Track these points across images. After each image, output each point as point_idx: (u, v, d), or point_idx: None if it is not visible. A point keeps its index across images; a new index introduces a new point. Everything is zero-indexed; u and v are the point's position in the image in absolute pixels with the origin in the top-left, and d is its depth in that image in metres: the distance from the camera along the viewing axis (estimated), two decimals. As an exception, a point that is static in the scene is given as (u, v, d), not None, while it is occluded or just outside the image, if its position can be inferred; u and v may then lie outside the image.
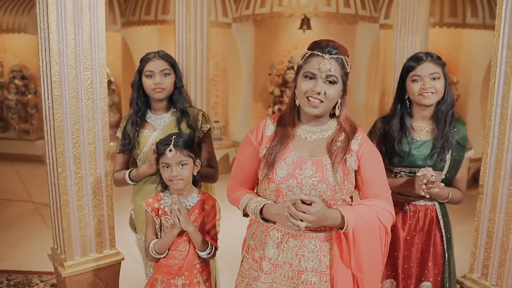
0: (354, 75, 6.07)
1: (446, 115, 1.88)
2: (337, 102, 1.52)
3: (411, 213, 1.94)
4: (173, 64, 2.05)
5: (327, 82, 1.46)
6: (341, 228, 1.45)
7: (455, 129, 1.90)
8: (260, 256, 1.60)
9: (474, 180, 4.77)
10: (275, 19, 5.87)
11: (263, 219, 1.53)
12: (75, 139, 1.94)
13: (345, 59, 1.50)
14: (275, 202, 1.53)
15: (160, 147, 1.77)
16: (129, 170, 2.06)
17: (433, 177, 1.71)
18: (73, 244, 2.02)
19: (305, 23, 5.52)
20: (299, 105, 1.53)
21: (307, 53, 1.51)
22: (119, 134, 2.11)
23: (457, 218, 4.19)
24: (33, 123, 6.92)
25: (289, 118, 1.57)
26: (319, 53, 1.47)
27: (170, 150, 1.72)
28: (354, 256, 1.46)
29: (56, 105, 1.87)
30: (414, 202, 1.94)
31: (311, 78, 1.47)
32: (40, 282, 3.15)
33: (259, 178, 1.61)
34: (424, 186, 1.72)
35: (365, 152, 1.53)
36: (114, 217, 2.13)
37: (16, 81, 6.89)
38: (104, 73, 1.98)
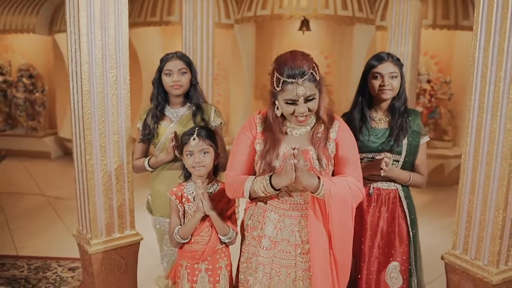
0: (351, 74, 6.33)
1: (399, 108, 2.10)
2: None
3: (375, 196, 2.14)
4: (189, 64, 2.28)
5: (307, 101, 1.65)
6: (315, 192, 1.64)
7: (409, 119, 2.12)
8: (259, 234, 1.83)
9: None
10: (275, 20, 6.10)
11: (273, 187, 1.68)
12: (101, 130, 2.17)
13: (314, 71, 1.64)
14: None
15: (185, 137, 1.97)
16: (148, 158, 2.29)
17: (390, 162, 1.93)
18: (98, 224, 2.25)
19: (305, 24, 5.74)
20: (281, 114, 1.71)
21: (280, 79, 1.62)
22: (139, 125, 2.33)
23: (448, 211, 4.45)
24: (40, 121, 7.12)
25: (274, 126, 1.74)
26: (293, 80, 1.60)
27: (194, 139, 1.91)
28: (330, 219, 1.66)
29: (85, 100, 2.11)
30: (378, 186, 2.14)
31: (292, 103, 1.65)
32: (58, 267, 3.38)
33: (256, 170, 1.82)
34: (384, 167, 1.93)
35: (341, 137, 1.76)
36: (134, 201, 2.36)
37: (24, 80, 7.08)
38: (127, 71, 2.21)
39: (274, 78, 1.67)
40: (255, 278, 1.81)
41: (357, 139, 2.03)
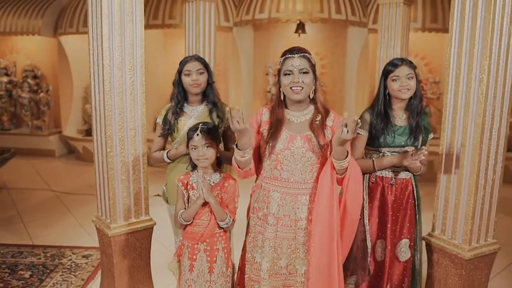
0: (345, 74, 6.62)
1: (417, 106, 2.38)
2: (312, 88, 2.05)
3: (396, 185, 2.41)
4: (206, 65, 2.54)
5: (301, 73, 2.00)
6: (343, 159, 1.95)
7: (422, 117, 2.41)
8: (264, 213, 2.10)
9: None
10: (272, 24, 6.38)
11: (238, 148, 1.99)
12: (120, 125, 2.43)
13: (309, 56, 2.04)
14: (275, 170, 2.05)
15: (189, 133, 2.19)
16: (167, 150, 2.54)
17: (420, 151, 2.21)
18: (117, 210, 2.51)
19: (300, 27, 6.03)
20: (284, 98, 2.07)
21: (281, 59, 2.05)
22: (159, 120, 2.58)
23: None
24: (45, 120, 7.37)
25: (279, 109, 2.09)
26: (290, 55, 2.02)
27: (197, 135, 2.14)
28: (347, 198, 1.99)
29: (107, 99, 2.37)
30: (398, 177, 2.41)
31: (289, 74, 2.01)
32: (72, 254, 3.64)
33: (262, 154, 2.11)
34: (412, 159, 2.22)
35: (337, 126, 2.05)
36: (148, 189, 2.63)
37: (29, 80, 7.33)
38: (143, 73, 2.48)
39: (278, 62, 2.07)
40: (262, 252, 2.08)
41: (384, 136, 2.35)
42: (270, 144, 2.04)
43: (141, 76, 2.47)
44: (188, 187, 2.20)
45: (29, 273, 3.29)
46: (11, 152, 5.26)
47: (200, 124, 2.19)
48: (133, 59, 2.43)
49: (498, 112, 2.19)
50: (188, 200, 2.20)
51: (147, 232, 2.65)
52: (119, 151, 2.46)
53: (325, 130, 2.06)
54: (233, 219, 2.17)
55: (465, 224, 2.28)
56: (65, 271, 3.33)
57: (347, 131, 1.82)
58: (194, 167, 2.24)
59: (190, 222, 2.15)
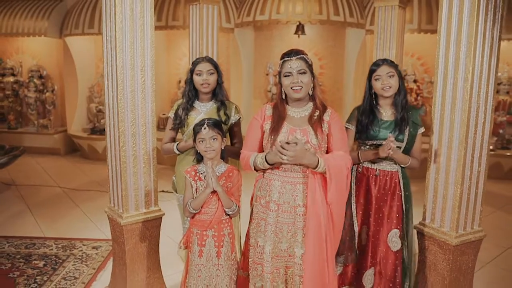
0: (344, 73, 6.79)
1: (401, 102, 2.56)
2: (310, 87, 2.24)
3: (381, 177, 2.61)
4: (216, 66, 2.72)
5: (300, 73, 2.19)
6: (315, 168, 2.13)
7: (410, 113, 2.58)
8: (267, 201, 2.28)
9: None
10: (273, 25, 6.56)
11: (268, 163, 2.20)
12: (131, 122, 2.61)
13: (306, 57, 2.23)
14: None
15: (197, 127, 2.37)
16: (177, 142, 2.72)
17: (393, 142, 2.38)
18: (129, 201, 2.69)
19: (300, 29, 6.22)
20: (285, 96, 2.27)
21: (281, 61, 2.24)
22: (171, 114, 2.77)
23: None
24: (50, 119, 7.54)
25: (281, 107, 2.30)
26: (288, 58, 2.21)
27: (205, 128, 2.32)
28: (331, 187, 2.14)
29: (120, 97, 2.55)
30: (382, 168, 2.61)
31: (289, 75, 2.21)
32: (82, 245, 3.82)
33: (265, 145, 2.30)
34: (389, 149, 2.38)
35: (333, 120, 2.25)
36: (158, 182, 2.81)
37: (35, 80, 7.51)
38: (153, 73, 2.65)
39: (278, 64, 2.27)
40: (264, 237, 2.26)
41: (368, 130, 2.54)
42: (272, 137, 2.22)
43: (151, 75, 2.65)
44: (196, 178, 2.37)
45: (43, 262, 3.47)
46: (21, 149, 5.44)
47: (206, 119, 2.38)
48: (144, 60, 2.61)
49: (482, 109, 2.37)
50: (196, 190, 2.37)
51: (157, 221, 2.83)
52: (131, 146, 2.64)
53: (322, 124, 2.24)
54: (238, 206, 2.34)
55: (453, 213, 2.46)
56: (77, 261, 3.51)
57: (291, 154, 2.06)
58: (200, 160, 2.41)
59: (198, 211, 2.32)
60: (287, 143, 2.07)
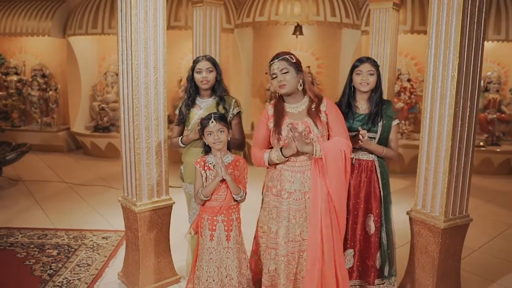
0: (340, 73, 7.02)
1: (376, 99, 2.75)
2: (299, 82, 2.45)
3: (357, 165, 2.78)
4: (215, 64, 2.92)
5: (282, 73, 2.41)
6: (313, 154, 2.36)
7: (384, 106, 2.76)
8: (278, 190, 2.48)
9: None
10: (272, 26, 6.77)
11: (283, 155, 2.41)
12: (145, 116, 2.82)
13: (288, 57, 2.43)
14: None
15: (204, 121, 2.54)
16: (181, 137, 2.93)
17: (365, 134, 2.60)
18: (142, 190, 2.89)
19: (298, 29, 6.43)
20: (280, 94, 2.49)
21: (268, 65, 2.47)
22: (177, 111, 2.97)
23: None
24: (54, 117, 7.71)
25: (279, 105, 2.51)
26: (271, 62, 2.45)
27: (212, 122, 2.50)
28: (327, 171, 2.37)
29: (135, 93, 2.75)
30: (359, 157, 2.78)
31: (275, 77, 2.43)
32: (93, 236, 4.01)
33: (271, 142, 2.50)
34: (359, 140, 2.60)
35: (329, 110, 2.46)
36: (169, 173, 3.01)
37: (38, 79, 7.67)
38: (165, 70, 2.86)
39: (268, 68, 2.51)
40: (278, 223, 2.46)
41: (345, 121, 2.69)
42: (276, 133, 2.43)
43: (163, 73, 2.86)
44: (205, 168, 2.56)
45: (56, 251, 3.66)
46: (28, 146, 5.61)
47: (213, 114, 2.55)
48: (156, 58, 2.82)
49: (468, 104, 2.60)
50: (206, 179, 2.57)
51: (167, 209, 3.04)
52: (144, 138, 2.84)
53: (320, 115, 2.45)
54: (245, 192, 2.53)
55: (441, 199, 2.68)
56: (89, 250, 3.70)
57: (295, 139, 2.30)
58: (208, 151, 2.60)
59: (208, 198, 2.51)
60: (293, 127, 2.32)
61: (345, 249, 2.75)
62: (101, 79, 7.55)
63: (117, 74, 7.29)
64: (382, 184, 2.78)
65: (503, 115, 6.89)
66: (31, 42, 7.83)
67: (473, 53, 2.54)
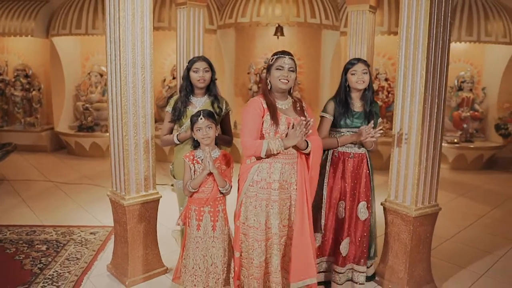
0: (321, 72, 7.22)
1: (370, 97, 2.97)
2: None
3: (354, 158, 2.99)
4: (210, 65, 3.05)
5: (290, 71, 2.57)
6: (304, 149, 2.55)
7: (373, 105, 2.99)
8: (268, 182, 2.60)
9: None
10: (253, 27, 6.94)
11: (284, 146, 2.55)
12: (133, 113, 2.95)
13: (295, 59, 2.63)
14: None
15: (193, 118, 2.68)
16: (177, 133, 3.04)
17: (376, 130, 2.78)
18: (130, 184, 3.02)
19: (279, 30, 6.61)
20: (270, 88, 2.62)
21: (275, 56, 2.59)
22: (168, 109, 3.09)
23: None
24: (37, 117, 7.73)
25: (270, 96, 2.63)
26: (282, 55, 2.58)
27: (201, 119, 2.65)
28: (311, 165, 2.57)
29: (123, 92, 2.88)
30: (355, 152, 2.98)
31: (281, 69, 2.57)
32: (81, 232, 4.11)
33: (266, 134, 2.59)
34: (370, 135, 2.78)
35: (308, 109, 2.65)
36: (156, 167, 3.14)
37: (21, 79, 7.68)
38: (152, 70, 2.99)
39: (270, 60, 2.64)
40: (267, 212, 2.60)
41: (342, 118, 2.93)
42: (275, 127, 2.56)
43: (150, 73, 2.99)
44: (194, 162, 2.71)
45: (45, 246, 3.75)
46: (13, 145, 5.66)
47: (201, 111, 2.70)
48: (144, 59, 2.95)
49: (436, 101, 2.80)
50: (194, 172, 2.71)
51: (155, 203, 3.17)
52: (132, 135, 2.97)
53: (305, 113, 2.65)
54: (230, 186, 2.68)
55: (412, 190, 2.88)
56: (77, 245, 3.81)
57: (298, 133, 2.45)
58: (196, 146, 2.75)
59: (196, 190, 2.66)
60: (304, 120, 2.49)
61: (342, 239, 2.95)
62: (85, 79, 7.60)
63: (101, 75, 7.49)
64: (371, 174, 3.02)
65: (476, 113, 7.19)
66: (13, 42, 7.83)
67: (440, 54, 2.75)
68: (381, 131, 2.82)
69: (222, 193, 2.69)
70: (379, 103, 6.95)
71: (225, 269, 2.73)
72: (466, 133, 7.12)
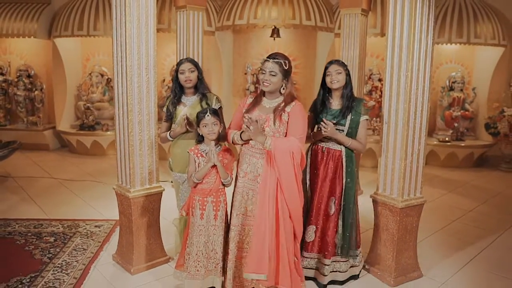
0: (315, 73, 7.44)
1: (347, 94, 3.12)
2: (282, 85, 2.78)
3: (326, 153, 3.15)
4: (196, 64, 3.25)
5: (270, 75, 2.74)
6: (263, 144, 2.68)
7: (354, 103, 3.13)
8: (245, 172, 2.86)
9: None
10: (250, 29, 7.15)
11: (241, 139, 2.82)
12: (138, 111, 3.15)
13: (283, 62, 2.72)
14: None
15: (200, 115, 2.88)
16: (169, 131, 3.27)
17: (329, 124, 2.96)
18: (135, 178, 3.22)
19: (275, 32, 6.82)
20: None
21: (263, 60, 2.78)
22: (164, 109, 3.31)
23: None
24: (39, 116, 7.90)
25: (259, 97, 2.87)
26: (267, 59, 2.75)
27: (208, 115, 2.85)
28: (276, 165, 2.69)
29: (129, 91, 3.08)
30: (328, 147, 3.15)
31: (264, 73, 2.76)
32: (86, 225, 4.30)
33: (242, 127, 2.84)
34: (323, 129, 2.96)
35: (293, 112, 2.75)
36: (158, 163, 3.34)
37: (24, 79, 7.86)
38: (155, 71, 3.20)
39: (262, 61, 2.83)
40: (235, 199, 2.88)
41: (319, 115, 3.11)
42: (246, 118, 2.72)
43: (154, 73, 3.19)
44: (199, 155, 2.90)
45: (53, 238, 3.95)
46: (18, 143, 5.82)
47: (208, 108, 2.92)
48: (148, 61, 3.15)
49: (420, 99, 3.02)
50: (198, 165, 2.90)
51: (158, 196, 3.37)
52: (137, 132, 3.17)
53: (282, 114, 2.76)
54: (231, 178, 2.90)
55: (399, 183, 3.09)
56: (83, 237, 4.00)
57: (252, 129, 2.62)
58: (201, 141, 2.94)
59: (200, 181, 2.86)
60: (250, 118, 2.65)
61: (308, 224, 3.14)
62: (86, 79, 7.78)
63: (102, 75, 7.69)
64: (347, 172, 3.15)
65: (466, 112, 7.41)
66: (16, 43, 8.00)
67: (424, 56, 2.96)
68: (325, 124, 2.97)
69: (223, 184, 2.89)
70: (372, 102, 7.19)
71: (223, 256, 2.93)
72: (457, 132, 7.33)
